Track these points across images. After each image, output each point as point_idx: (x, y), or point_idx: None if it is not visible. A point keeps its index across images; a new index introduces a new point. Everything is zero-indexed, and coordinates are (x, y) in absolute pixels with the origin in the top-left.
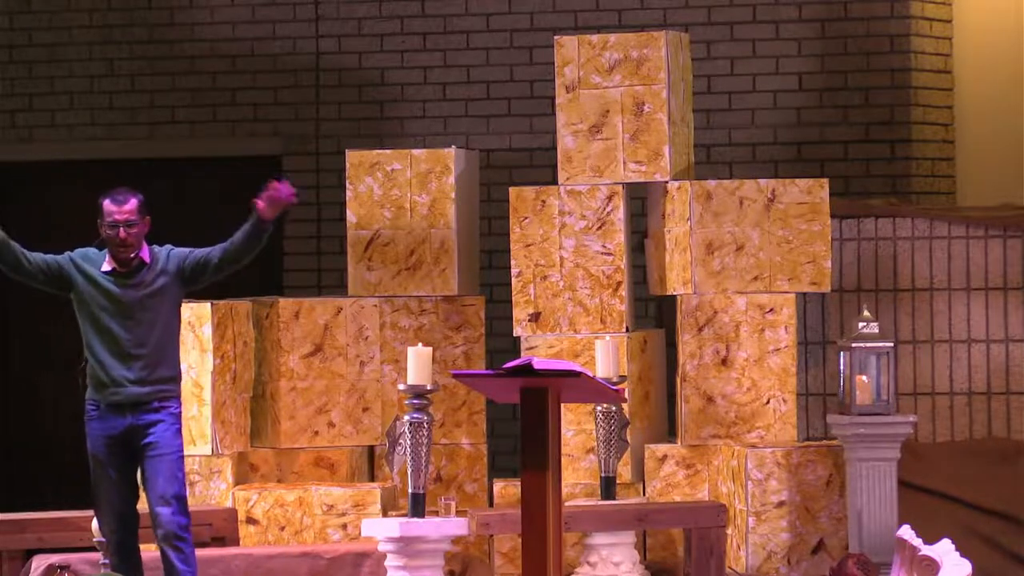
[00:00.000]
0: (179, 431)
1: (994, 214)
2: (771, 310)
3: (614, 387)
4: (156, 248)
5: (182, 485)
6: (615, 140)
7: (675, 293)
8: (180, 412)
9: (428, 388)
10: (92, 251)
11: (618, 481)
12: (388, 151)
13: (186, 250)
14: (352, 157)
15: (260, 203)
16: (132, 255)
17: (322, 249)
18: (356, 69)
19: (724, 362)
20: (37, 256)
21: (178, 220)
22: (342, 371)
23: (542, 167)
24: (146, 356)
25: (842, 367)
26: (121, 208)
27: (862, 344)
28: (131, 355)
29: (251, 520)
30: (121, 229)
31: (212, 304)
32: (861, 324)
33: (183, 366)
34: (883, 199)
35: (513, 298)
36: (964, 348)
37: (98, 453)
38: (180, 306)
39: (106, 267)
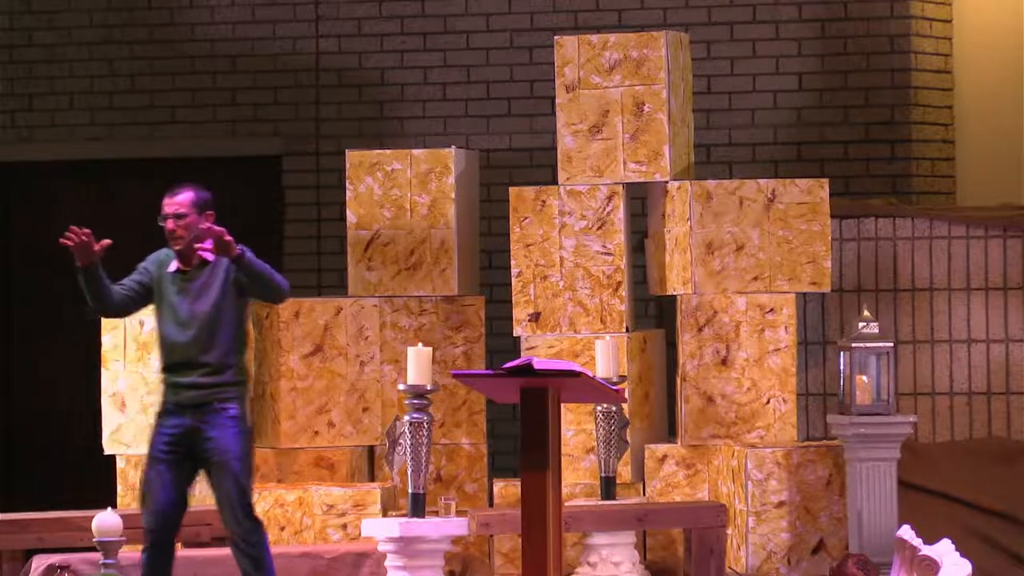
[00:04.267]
0: (241, 433)
1: (994, 214)
2: (771, 310)
3: (614, 387)
4: None
5: (246, 489)
6: (615, 140)
7: (675, 293)
8: (241, 414)
9: (428, 388)
10: (162, 251)
11: (618, 481)
12: (388, 151)
13: (244, 250)
14: (352, 157)
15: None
16: (180, 247)
17: (322, 249)
18: (356, 69)
19: (724, 362)
20: (128, 286)
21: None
22: (342, 371)
23: (542, 167)
24: (205, 361)
25: (842, 367)
26: (172, 199)
27: (862, 344)
28: (190, 359)
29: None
30: (170, 220)
31: None
32: (861, 324)
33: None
34: (883, 199)
35: (513, 298)
36: (964, 348)
37: (154, 449)
38: (244, 311)
39: (172, 267)
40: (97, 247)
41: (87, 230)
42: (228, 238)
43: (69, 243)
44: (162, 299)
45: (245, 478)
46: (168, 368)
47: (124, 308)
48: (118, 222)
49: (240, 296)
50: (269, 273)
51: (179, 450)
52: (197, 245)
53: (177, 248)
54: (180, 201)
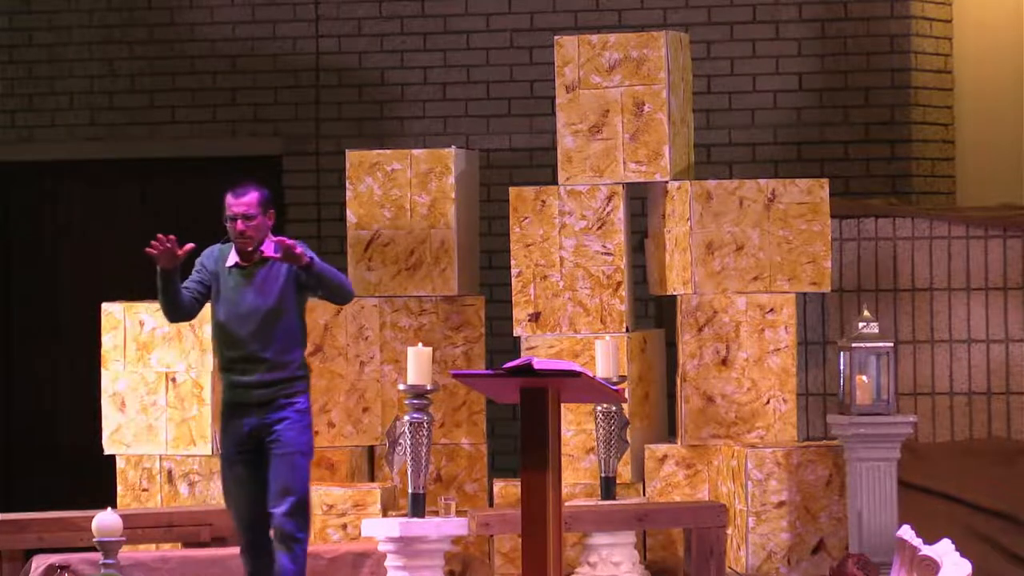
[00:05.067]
0: (304, 428)
1: (994, 214)
2: (771, 310)
3: (614, 387)
4: None
5: (301, 483)
6: (615, 140)
7: (675, 293)
8: (308, 408)
9: (428, 388)
10: (217, 247)
11: (618, 481)
12: (388, 151)
13: (311, 255)
14: (352, 157)
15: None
16: (250, 248)
17: (322, 249)
18: (356, 69)
19: (724, 362)
20: (192, 288)
21: (178, 220)
22: (342, 371)
23: (542, 167)
24: (267, 357)
25: (842, 367)
26: (239, 200)
27: (862, 344)
28: (255, 354)
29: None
30: (239, 221)
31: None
32: (861, 324)
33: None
34: (883, 199)
35: (513, 298)
36: (964, 348)
37: (227, 452)
38: (304, 305)
39: (230, 261)
40: (180, 252)
41: (172, 236)
42: (299, 250)
43: (154, 251)
44: (221, 294)
45: (306, 474)
46: (228, 364)
47: (192, 311)
48: (118, 222)
49: (301, 290)
50: (338, 277)
51: (250, 448)
52: (262, 250)
53: (248, 248)
54: (248, 202)
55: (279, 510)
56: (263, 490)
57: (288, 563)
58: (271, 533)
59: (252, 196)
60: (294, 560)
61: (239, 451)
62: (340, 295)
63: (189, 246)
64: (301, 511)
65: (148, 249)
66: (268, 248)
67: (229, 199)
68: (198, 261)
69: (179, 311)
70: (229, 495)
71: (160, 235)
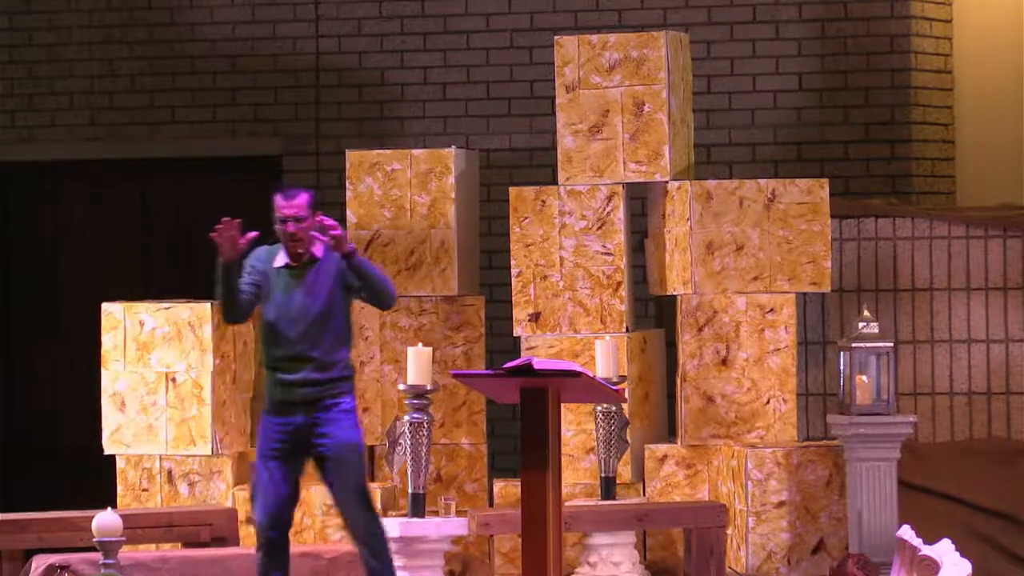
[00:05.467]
0: (352, 426)
1: (994, 214)
2: (771, 310)
3: (614, 387)
4: None
5: (358, 480)
6: (615, 140)
7: (675, 293)
8: (355, 407)
9: (428, 388)
10: (264, 248)
11: (618, 481)
12: (388, 151)
13: (352, 247)
14: (352, 157)
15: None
16: (301, 250)
17: None
18: (356, 69)
19: (724, 362)
20: (245, 288)
21: (178, 220)
22: None
23: (542, 167)
24: (315, 356)
25: (842, 367)
26: (290, 203)
27: (862, 344)
28: (299, 355)
29: (251, 520)
30: (290, 223)
31: (212, 304)
32: (861, 324)
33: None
34: (883, 199)
35: (513, 298)
36: (964, 348)
37: (265, 449)
38: (350, 305)
39: (279, 262)
40: (243, 240)
41: (237, 220)
42: (338, 232)
43: (218, 237)
44: (270, 294)
45: (362, 469)
46: (275, 364)
47: (249, 312)
48: (118, 222)
49: (348, 291)
50: (379, 275)
51: (289, 447)
52: (312, 233)
53: (299, 250)
54: (298, 204)
55: (347, 511)
56: (294, 491)
57: (371, 559)
58: (352, 532)
59: (302, 198)
60: (376, 555)
61: (278, 449)
62: (382, 294)
63: (252, 234)
64: (367, 506)
65: (212, 235)
66: (317, 249)
67: (280, 201)
68: (247, 263)
69: (238, 309)
70: (259, 491)
71: (225, 218)
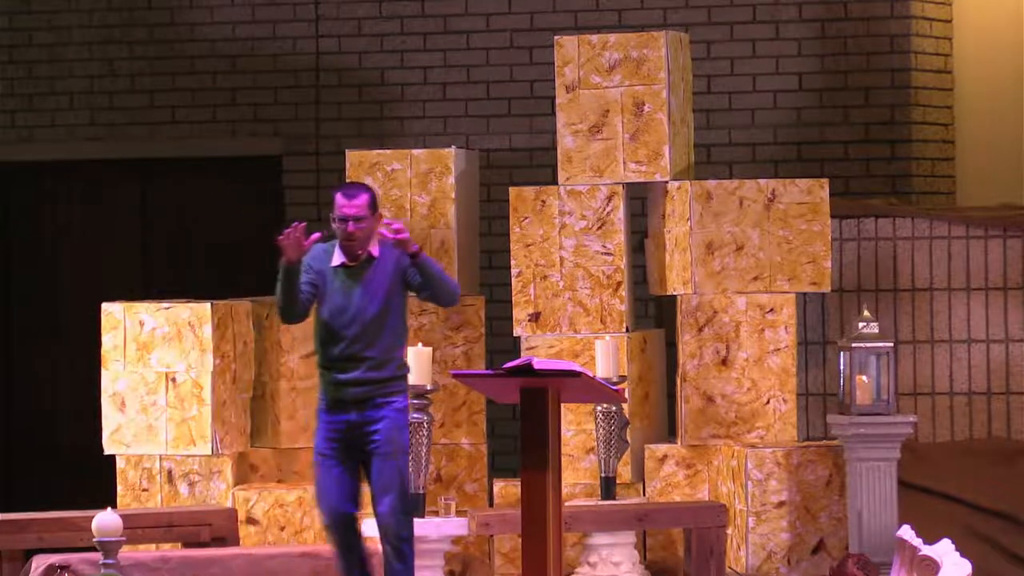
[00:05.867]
0: (403, 427)
1: (994, 214)
2: (771, 310)
3: (614, 387)
4: (389, 243)
5: (403, 482)
6: (615, 140)
7: (675, 293)
8: (407, 407)
9: (428, 388)
10: (321, 246)
11: (618, 481)
12: (388, 151)
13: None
14: (352, 157)
15: (396, 247)
16: (360, 250)
17: None
18: (356, 69)
19: (724, 362)
20: (305, 290)
21: (178, 220)
22: None
23: (542, 167)
24: (370, 355)
25: (842, 367)
26: (351, 202)
27: (862, 344)
28: (355, 354)
29: (251, 520)
30: (350, 223)
31: (212, 304)
32: (861, 324)
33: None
34: (883, 199)
35: (513, 298)
36: (964, 348)
37: (322, 448)
38: (405, 305)
39: (336, 261)
40: (307, 242)
41: (303, 223)
42: (404, 234)
43: (284, 239)
44: (326, 294)
45: (407, 471)
46: (330, 363)
47: (307, 311)
48: (118, 222)
49: (406, 290)
50: (443, 274)
51: (344, 445)
52: (380, 230)
53: (358, 251)
54: (359, 204)
55: (382, 509)
56: (355, 488)
57: (396, 561)
58: (379, 532)
59: (363, 198)
60: (402, 558)
61: (334, 448)
62: (445, 293)
63: (315, 236)
64: (404, 509)
65: (279, 238)
66: (374, 248)
67: (340, 200)
68: (304, 262)
69: (297, 310)
70: (321, 492)
71: (295, 223)
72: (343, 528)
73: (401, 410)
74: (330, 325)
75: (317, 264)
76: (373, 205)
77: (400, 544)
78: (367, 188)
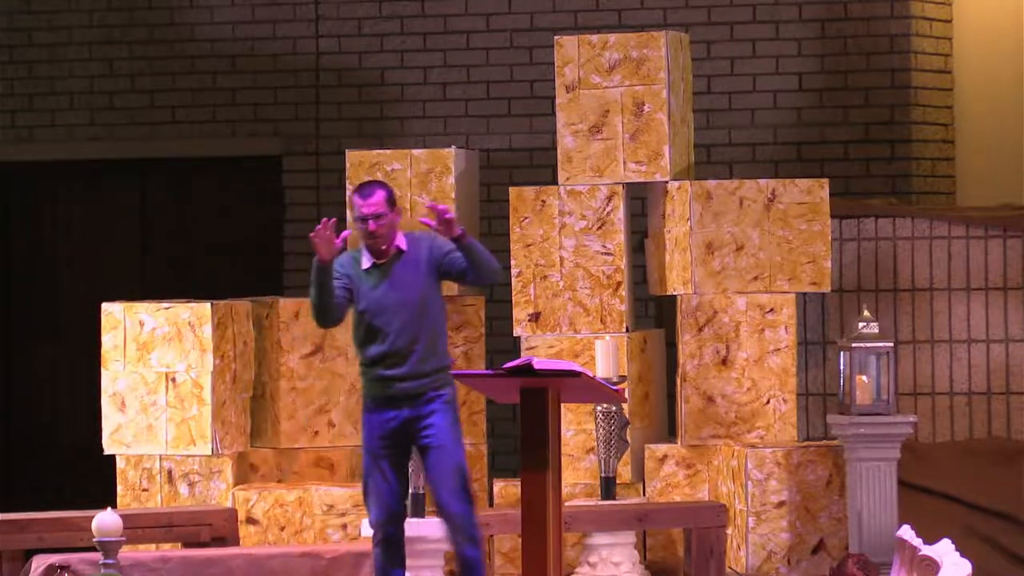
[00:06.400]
0: (456, 419)
1: (994, 214)
2: (771, 310)
3: (614, 387)
4: (416, 235)
5: (463, 472)
6: (615, 140)
7: (675, 293)
8: (455, 398)
9: None
10: (348, 253)
11: (618, 481)
12: (388, 151)
13: (449, 246)
14: (352, 157)
15: (439, 231)
16: (384, 246)
17: None
18: (356, 69)
19: (724, 362)
20: (339, 294)
21: (178, 220)
22: (342, 371)
23: (542, 167)
24: (415, 349)
25: (842, 367)
26: (367, 201)
27: (862, 344)
28: (400, 349)
29: (251, 520)
30: (370, 222)
31: (212, 304)
32: (861, 324)
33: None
34: (883, 199)
35: (513, 298)
36: (964, 348)
37: (372, 446)
38: (442, 295)
39: (365, 263)
40: (339, 240)
41: (332, 219)
42: (450, 216)
43: (316, 236)
44: (361, 295)
45: (465, 460)
46: (375, 361)
47: (342, 315)
48: (118, 222)
49: (441, 278)
50: (486, 253)
51: (396, 441)
52: (420, 219)
53: (382, 247)
54: (376, 201)
55: (446, 500)
56: (404, 484)
57: (470, 550)
58: (446, 529)
59: (379, 195)
60: (475, 544)
61: (384, 445)
62: (488, 273)
63: (346, 233)
64: (467, 498)
65: (311, 235)
66: (400, 241)
67: (357, 200)
68: (334, 268)
69: (332, 311)
70: (370, 488)
71: (324, 219)
72: (395, 525)
73: (451, 401)
74: (370, 324)
75: (346, 269)
76: (391, 200)
77: (471, 530)
78: (382, 184)
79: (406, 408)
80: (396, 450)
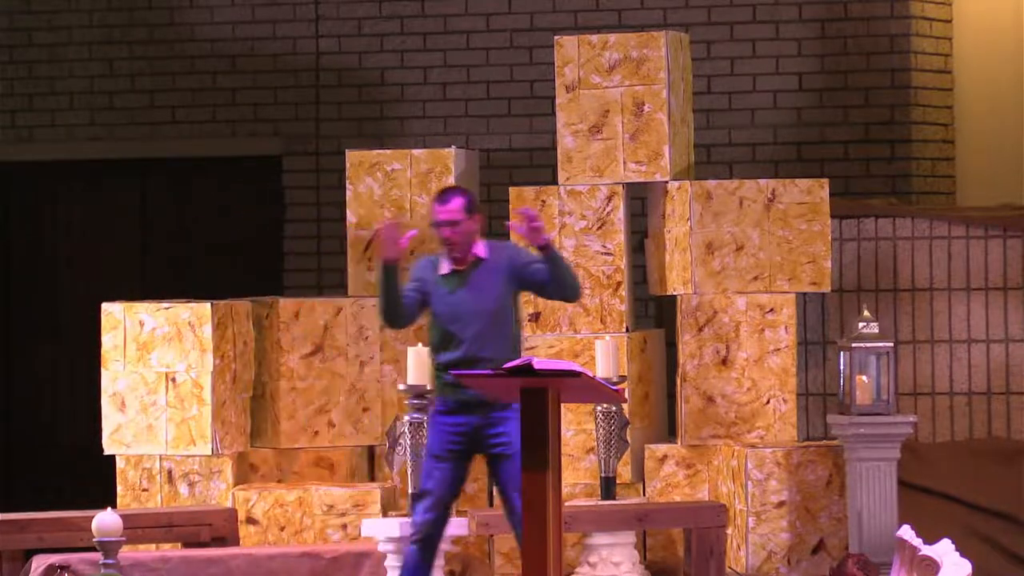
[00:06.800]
0: None
1: (994, 214)
2: (771, 310)
3: (614, 387)
4: (498, 244)
5: None
6: (615, 140)
7: (675, 293)
8: None
9: (428, 388)
10: (427, 258)
11: (618, 481)
12: (388, 151)
13: (530, 257)
14: (352, 157)
15: (526, 237)
16: (460, 254)
17: (322, 249)
18: (356, 69)
19: (724, 362)
20: (410, 296)
21: (178, 220)
22: (342, 371)
23: (542, 167)
24: (489, 357)
25: (842, 367)
26: (444, 207)
27: (862, 344)
28: (473, 356)
29: (251, 520)
30: (445, 228)
31: (212, 304)
32: (861, 324)
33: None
34: (883, 199)
35: None
36: (964, 348)
37: (437, 449)
38: (519, 305)
39: (444, 269)
40: (404, 240)
41: (397, 220)
42: (538, 224)
43: (380, 236)
44: (438, 300)
45: None
46: (448, 366)
47: (411, 317)
48: (118, 222)
49: (520, 288)
50: (568, 268)
51: (462, 447)
52: (509, 223)
53: (456, 255)
54: (452, 208)
55: (517, 509)
56: (459, 490)
57: None
58: (517, 532)
59: (456, 202)
60: None
61: (450, 449)
62: (568, 288)
63: (412, 232)
64: None
65: (376, 234)
66: (480, 249)
67: (435, 207)
68: (411, 272)
69: (399, 313)
70: (431, 492)
71: (388, 220)
72: (438, 528)
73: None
74: (445, 330)
75: (422, 273)
76: (468, 208)
77: None
78: (463, 192)
79: (477, 415)
80: (460, 455)
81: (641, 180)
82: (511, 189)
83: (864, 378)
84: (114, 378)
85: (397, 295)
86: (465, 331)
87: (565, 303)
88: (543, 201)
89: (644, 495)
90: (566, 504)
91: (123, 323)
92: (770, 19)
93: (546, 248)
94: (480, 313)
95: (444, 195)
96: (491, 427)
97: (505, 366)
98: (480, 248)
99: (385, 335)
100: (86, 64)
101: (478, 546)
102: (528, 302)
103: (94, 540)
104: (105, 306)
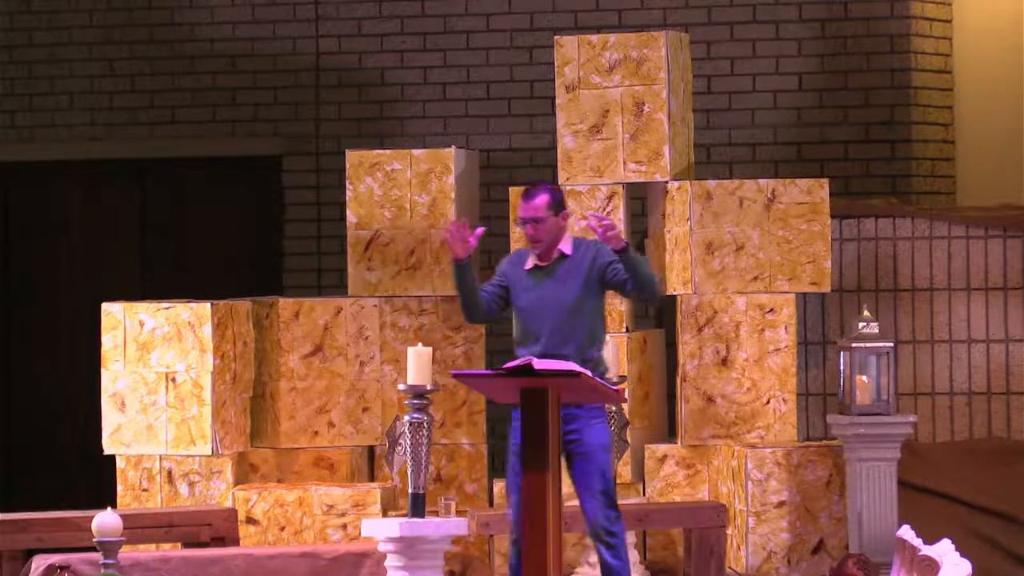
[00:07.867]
0: (604, 426)
1: (994, 214)
2: (771, 310)
3: (614, 387)
4: (584, 241)
5: (608, 480)
6: (615, 140)
7: (675, 293)
8: (604, 405)
9: (428, 388)
10: (517, 252)
11: (618, 481)
12: (388, 151)
13: (612, 257)
14: (352, 157)
15: (602, 241)
16: (543, 250)
17: (322, 249)
18: (356, 69)
19: (724, 362)
20: (490, 291)
21: (178, 220)
22: (342, 371)
23: (542, 167)
24: (567, 352)
25: (842, 367)
26: (528, 204)
27: (862, 344)
28: (552, 351)
29: (251, 520)
30: (529, 225)
31: (212, 304)
32: (861, 324)
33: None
34: (883, 199)
35: None
36: (964, 348)
37: (517, 445)
38: (602, 304)
39: (529, 264)
40: (472, 238)
41: (465, 219)
42: (613, 232)
43: (448, 236)
44: (521, 296)
45: (609, 469)
46: None
47: (490, 312)
48: (118, 222)
49: (601, 291)
50: (648, 270)
51: None
52: (588, 224)
53: (538, 251)
54: (536, 205)
55: (589, 507)
56: None
57: (611, 558)
58: (588, 530)
59: (541, 199)
60: (615, 555)
61: None
62: (648, 288)
63: (480, 231)
64: (611, 505)
65: (444, 233)
66: (566, 246)
67: (521, 203)
68: (498, 267)
69: (477, 309)
70: (513, 488)
71: (456, 220)
72: None
73: (600, 408)
74: (526, 324)
75: (507, 268)
76: (553, 205)
77: (613, 539)
78: (548, 189)
79: None
80: None
81: (641, 180)
82: (511, 189)
83: (864, 378)
84: (114, 378)
85: (471, 291)
86: (543, 327)
87: (647, 303)
88: None
89: (644, 495)
90: (566, 504)
91: (123, 323)
92: (770, 19)
93: (624, 251)
94: (559, 309)
95: (529, 192)
96: (570, 424)
97: (505, 366)
98: (566, 245)
99: (385, 335)
100: (86, 64)
101: (478, 546)
102: None
103: (94, 540)
104: (105, 306)
